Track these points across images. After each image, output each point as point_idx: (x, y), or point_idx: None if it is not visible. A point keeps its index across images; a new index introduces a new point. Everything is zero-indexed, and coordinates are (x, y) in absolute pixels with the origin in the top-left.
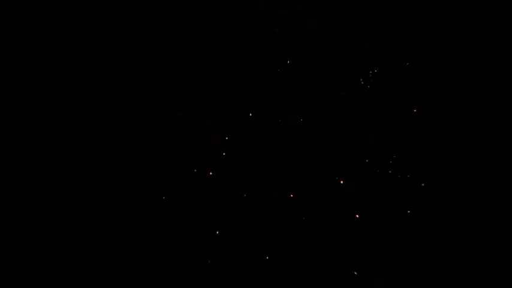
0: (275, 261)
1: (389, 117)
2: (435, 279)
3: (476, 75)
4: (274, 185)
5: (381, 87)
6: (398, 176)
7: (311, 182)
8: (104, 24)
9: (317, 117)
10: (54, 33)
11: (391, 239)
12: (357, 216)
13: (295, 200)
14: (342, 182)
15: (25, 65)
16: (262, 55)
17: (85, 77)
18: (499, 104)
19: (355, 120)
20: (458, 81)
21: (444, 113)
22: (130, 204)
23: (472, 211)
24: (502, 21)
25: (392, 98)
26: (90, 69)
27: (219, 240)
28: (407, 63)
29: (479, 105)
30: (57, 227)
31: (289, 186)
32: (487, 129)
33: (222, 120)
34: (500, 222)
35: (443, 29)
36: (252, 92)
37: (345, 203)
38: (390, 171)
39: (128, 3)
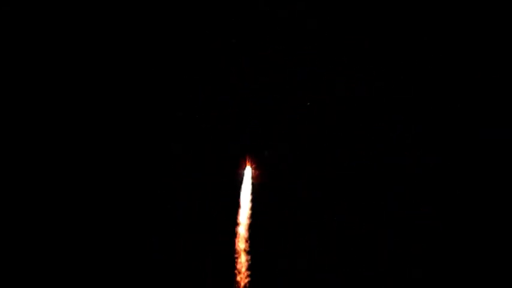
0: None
1: (388, 117)
2: (435, 278)
3: (476, 75)
4: (275, 184)
5: (380, 87)
6: (399, 176)
7: (312, 181)
8: (104, 24)
9: (317, 116)
10: (54, 33)
11: (392, 239)
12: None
13: (296, 199)
14: (343, 180)
15: (25, 64)
16: (262, 55)
17: (85, 78)
18: (499, 104)
19: (354, 119)
20: (457, 81)
21: (444, 113)
22: (129, 203)
23: (472, 211)
24: (502, 21)
25: (392, 97)
26: (91, 70)
27: (220, 238)
28: (407, 64)
29: (479, 105)
30: (56, 225)
31: (289, 186)
32: (487, 130)
33: (222, 120)
34: (501, 219)
35: (443, 29)
36: (252, 92)
37: (348, 202)
38: (390, 171)
39: (128, 3)
